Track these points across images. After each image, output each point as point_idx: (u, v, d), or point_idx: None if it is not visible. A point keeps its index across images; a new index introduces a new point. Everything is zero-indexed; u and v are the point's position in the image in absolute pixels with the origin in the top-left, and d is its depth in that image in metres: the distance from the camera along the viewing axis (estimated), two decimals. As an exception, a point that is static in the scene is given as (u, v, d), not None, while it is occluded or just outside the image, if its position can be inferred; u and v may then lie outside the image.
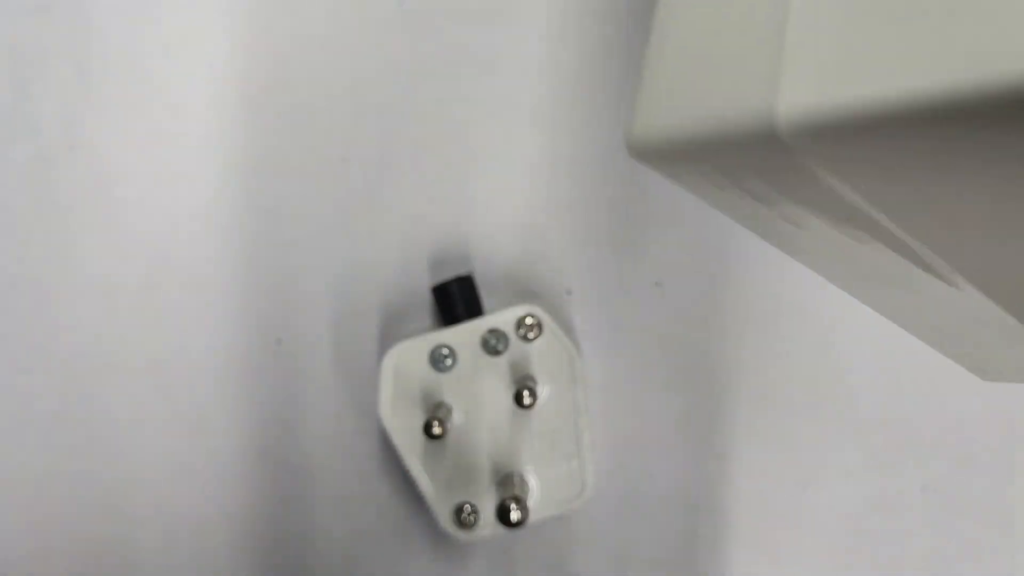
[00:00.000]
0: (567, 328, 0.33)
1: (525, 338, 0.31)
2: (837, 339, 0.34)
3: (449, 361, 0.31)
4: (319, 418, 0.35)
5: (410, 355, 0.31)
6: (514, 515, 0.30)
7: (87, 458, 0.35)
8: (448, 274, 0.33)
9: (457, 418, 0.32)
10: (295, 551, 0.35)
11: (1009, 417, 0.34)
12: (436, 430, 0.30)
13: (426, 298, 0.34)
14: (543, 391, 0.31)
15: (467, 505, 0.31)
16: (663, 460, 0.34)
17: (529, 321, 0.31)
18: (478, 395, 0.32)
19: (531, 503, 0.31)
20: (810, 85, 0.14)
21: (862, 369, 0.34)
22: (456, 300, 0.32)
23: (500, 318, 0.31)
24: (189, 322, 0.35)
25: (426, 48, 0.34)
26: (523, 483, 0.31)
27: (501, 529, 0.31)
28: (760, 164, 0.16)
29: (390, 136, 0.34)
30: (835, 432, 0.34)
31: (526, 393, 0.30)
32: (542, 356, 0.31)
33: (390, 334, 0.34)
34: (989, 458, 0.34)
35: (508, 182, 0.34)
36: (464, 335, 0.31)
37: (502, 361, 0.31)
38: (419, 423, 0.31)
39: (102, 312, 0.35)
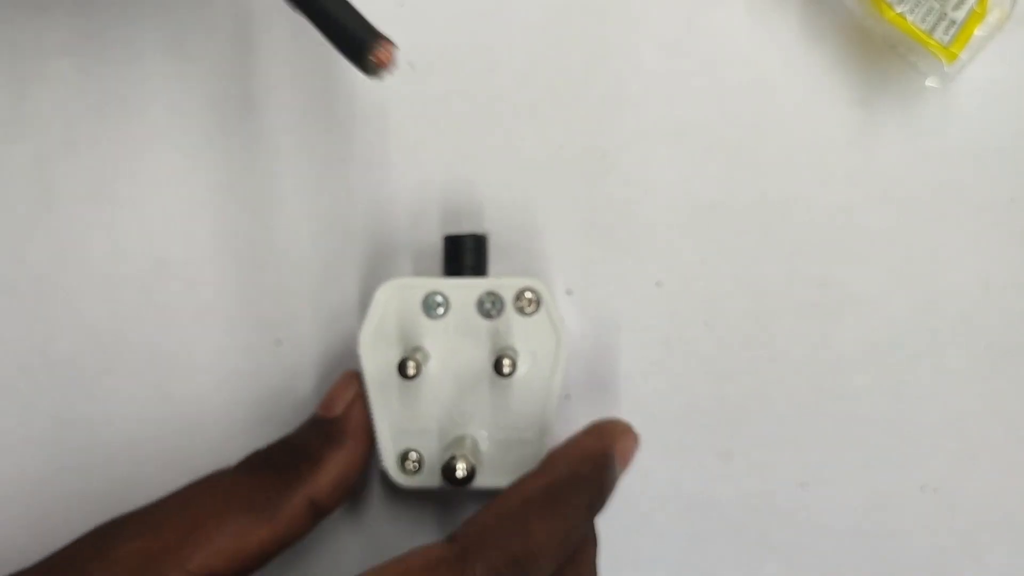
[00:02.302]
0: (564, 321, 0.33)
1: (521, 311, 0.31)
2: (837, 339, 0.34)
3: (441, 310, 0.31)
4: (319, 418, 0.35)
5: (404, 293, 0.31)
6: (459, 471, 0.30)
7: (87, 458, 0.35)
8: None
9: (431, 368, 0.31)
10: (294, 551, 0.35)
11: (1009, 417, 0.34)
12: (411, 370, 0.30)
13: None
14: (522, 367, 0.31)
15: (413, 452, 0.32)
16: (663, 460, 0.34)
17: (529, 295, 0.31)
18: (459, 351, 0.31)
19: (480, 469, 0.31)
20: None
21: (862, 369, 0.34)
22: (465, 253, 0.32)
23: (502, 283, 0.31)
24: (189, 322, 0.35)
25: (425, 47, 0.34)
26: (475, 447, 0.31)
27: (439, 483, 0.31)
28: None
29: (390, 136, 0.34)
30: (835, 432, 0.34)
31: (507, 361, 0.30)
32: (531, 334, 0.31)
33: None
34: (989, 458, 0.34)
35: (508, 182, 0.34)
36: (462, 289, 0.31)
37: (491, 326, 0.31)
38: (394, 361, 0.31)
39: (102, 312, 0.35)
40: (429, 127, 0.34)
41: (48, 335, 0.35)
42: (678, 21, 0.34)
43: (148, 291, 0.35)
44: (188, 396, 0.35)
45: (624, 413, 0.34)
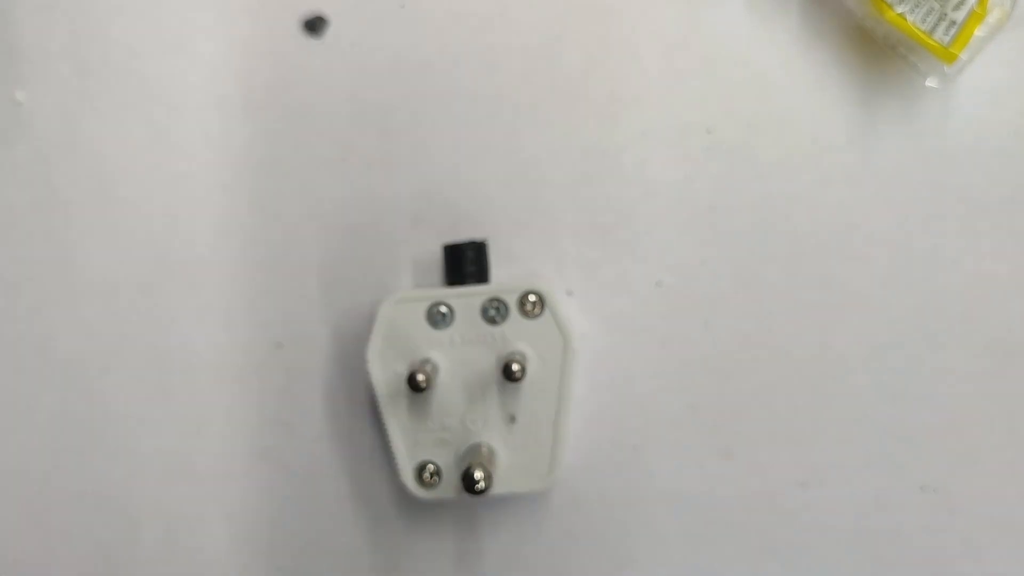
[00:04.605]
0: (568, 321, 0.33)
1: (525, 314, 0.31)
2: (837, 339, 0.34)
3: (446, 320, 0.31)
4: (319, 418, 0.35)
5: (408, 307, 0.31)
6: (478, 484, 0.30)
7: (87, 458, 0.35)
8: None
9: (441, 378, 0.31)
10: (294, 551, 0.35)
11: (1009, 417, 0.34)
12: (421, 382, 0.30)
13: (426, 298, 0.34)
14: (531, 371, 0.31)
15: (431, 464, 0.32)
16: (663, 460, 0.34)
17: (532, 299, 0.31)
18: (466, 360, 0.32)
19: (496, 476, 0.31)
20: None
21: (862, 369, 0.34)
22: (466, 262, 0.32)
23: (504, 288, 0.32)
24: (189, 322, 0.35)
25: (427, 47, 0.34)
26: (491, 454, 0.31)
27: (458, 495, 0.31)
28: None
29: (390, 136, 0.34)
30: (835, 432, 0.34)
31: (516, 366, 0.30)
32: (537, 337, 0.31)
33: (390, 334, 0.34)
34: (989, 458, 0.34)
35: (508, 182, 0.34)
36: (466, 298, 0.32)
37: (497, 332, 0.31)
38: (403, 374, 0.31)
39: (102, 312, 0.35)
40: (430, 127, 0.34)
41: (48, 335, 0.35)
42: (678, 21, 0.34)
43: (148, 291, 0.35)
44: (188, 396, 0.35)
45: (624, 413, 0.34)
